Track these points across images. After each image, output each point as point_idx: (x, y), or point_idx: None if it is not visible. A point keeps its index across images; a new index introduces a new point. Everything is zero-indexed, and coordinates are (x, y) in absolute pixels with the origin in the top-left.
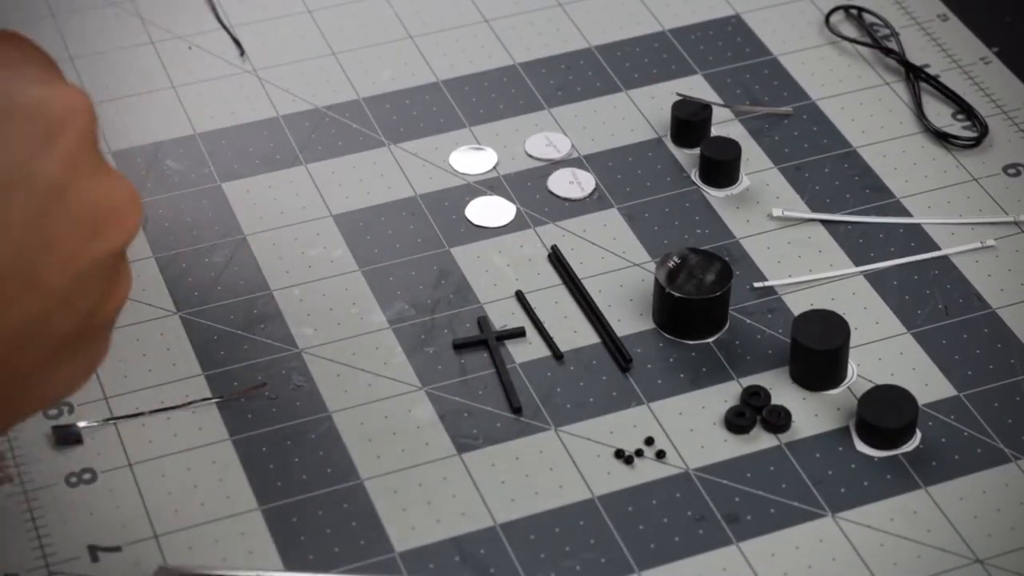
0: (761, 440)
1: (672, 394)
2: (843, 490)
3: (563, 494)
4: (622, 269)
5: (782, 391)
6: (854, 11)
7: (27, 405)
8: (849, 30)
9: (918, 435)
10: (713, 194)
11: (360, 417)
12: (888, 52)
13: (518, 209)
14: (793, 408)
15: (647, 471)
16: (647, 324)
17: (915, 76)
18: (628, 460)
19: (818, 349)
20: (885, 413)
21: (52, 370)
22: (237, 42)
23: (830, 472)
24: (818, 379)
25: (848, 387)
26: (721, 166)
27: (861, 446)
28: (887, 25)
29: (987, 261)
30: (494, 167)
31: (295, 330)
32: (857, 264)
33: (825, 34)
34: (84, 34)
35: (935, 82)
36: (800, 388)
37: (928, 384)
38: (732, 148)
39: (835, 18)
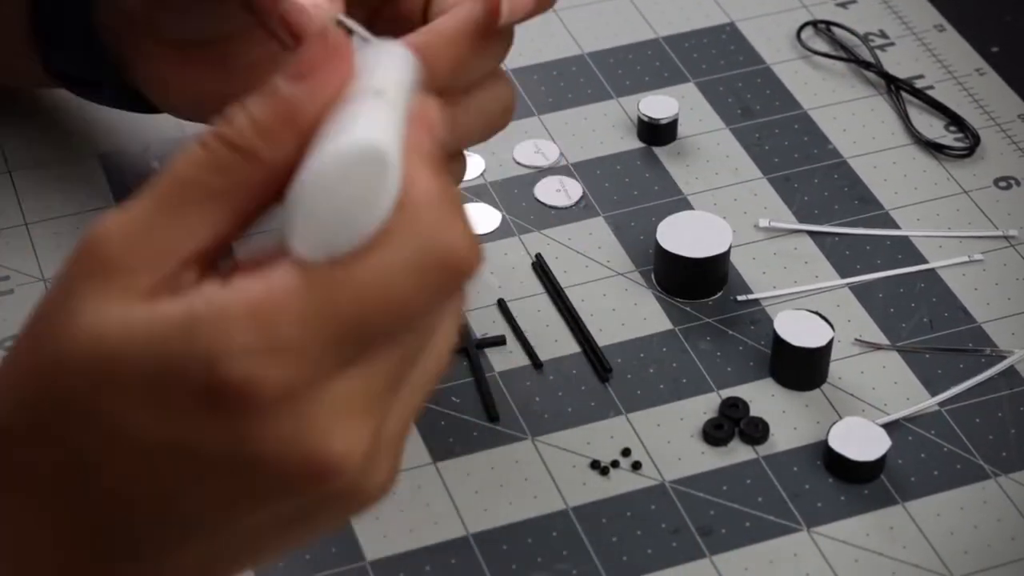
0: (739, 452)
1: (651, 405)
2: (819, 504)
3: (537, 504)
4: (606, 278)
5: (762, 403)
6: (822, 26)
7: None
8: (838, 41)
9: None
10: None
11: None
12: (867, 65)
13: (503, 216)
14: (772, 420)
15: (622, 482)
16: (629, 334)
17: (896, 88)
18: (604, 471)
19: (800, 347)
20: (857, 448)
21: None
22: None
23: (807, 486)
24: (800, 379)
25: (830, 400)
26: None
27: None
28: (862, 39)
29: (974, 275)
30: (481, 173)
31: None
32: (843, 276)
33: (820, 44)
34: None
35: (922, 95)
36: (779, 399)
37: (909, 398)
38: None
39: (806, 34)
